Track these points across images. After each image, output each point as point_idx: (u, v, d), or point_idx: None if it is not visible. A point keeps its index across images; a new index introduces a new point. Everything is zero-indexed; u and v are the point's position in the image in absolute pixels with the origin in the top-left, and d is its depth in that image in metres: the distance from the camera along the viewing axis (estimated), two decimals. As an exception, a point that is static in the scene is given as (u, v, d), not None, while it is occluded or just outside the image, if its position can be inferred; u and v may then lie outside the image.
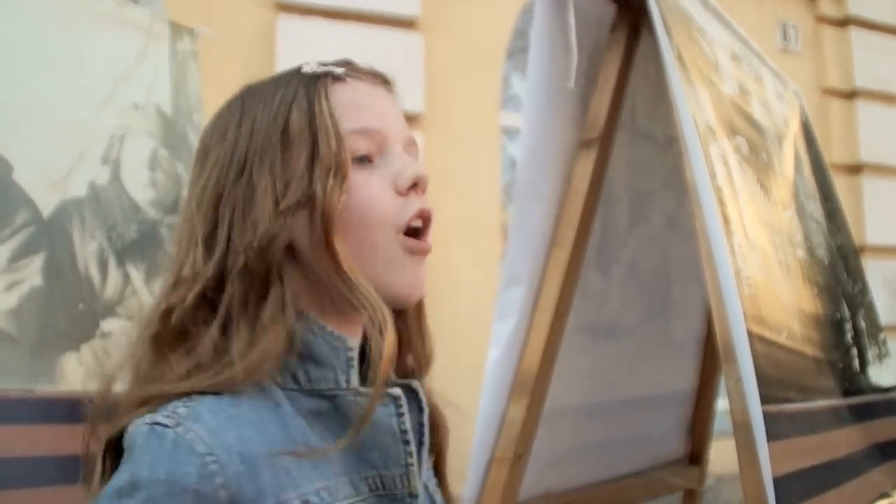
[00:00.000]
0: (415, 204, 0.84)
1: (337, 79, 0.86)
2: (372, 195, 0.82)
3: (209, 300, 0.83)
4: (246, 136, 0.84)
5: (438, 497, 0.93)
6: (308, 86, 0.84)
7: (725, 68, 1.86)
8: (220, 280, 0.82)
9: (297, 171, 0.81)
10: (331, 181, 0.79)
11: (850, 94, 5.96)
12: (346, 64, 0.88)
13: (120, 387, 0.88)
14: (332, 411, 0.80)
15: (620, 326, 2.18)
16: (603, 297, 2.06)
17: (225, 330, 0.81)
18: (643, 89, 1.89)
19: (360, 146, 0.84)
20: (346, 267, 0.80)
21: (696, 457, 2.65)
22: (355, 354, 0.83)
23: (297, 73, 0.87)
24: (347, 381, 0.81)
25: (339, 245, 0.80)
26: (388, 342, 0.77)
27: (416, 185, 0.84)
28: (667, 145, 2.07)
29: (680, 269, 2.35)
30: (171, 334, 0.83)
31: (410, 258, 0.84)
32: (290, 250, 0.82)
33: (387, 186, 0.83)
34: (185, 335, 0.82)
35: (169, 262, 0.89)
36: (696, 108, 1.53)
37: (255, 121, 0.84)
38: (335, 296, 0.83)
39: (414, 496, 0.82)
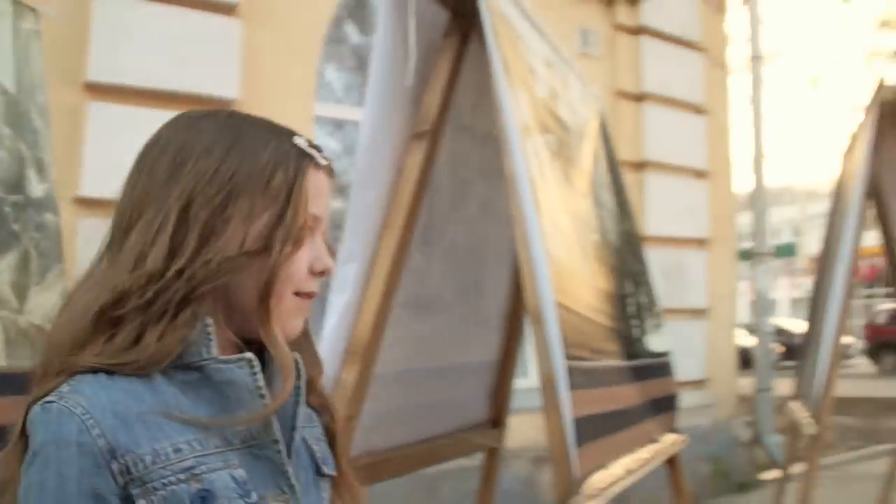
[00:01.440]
0: (315, 284, 1.02)
1: (316, 165, 1.02)
2: (298, 267, 0.99)
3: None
4: (233, 166, 0.97)
5: (319, 448, 1.09)
6: (298, 159, 1.00)
7: (540, 73, 2.11)
8: (171, 283, 0.93)
9: (262, 223, 0.96)
10: (289, 247, 0.97)
11: (639, 97, 6.41)
12: (320, 152, 1.04)
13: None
14: (201, 379, 0.95)
15: (438, 302, 2.40)
16: (424, 276, 2.27)
17: (147, 323, 0.93)
18: (467, 88, 2.11)
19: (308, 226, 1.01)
20: (273, 322, 0.97)
21: (497, 420, 2.93)
22: (212, 329, 0.96)
23: (290, 138, 1.02)
24: (208, 352, 0.95)
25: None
26: (289, 384, 0.97)
27: (323, 273, 1.02)
28: (484, 139, 2.30)
29: (491, 251, 2.60)
30: (115, 315, 0.93)
31: (298, 311, 1.02)
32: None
33: (307, 263, 1.00)
34: (123, 319, 0.93)
35: (121, 236, 0.97)
36: (517, 108, 1.77)
37: (244, 157, 0.98)
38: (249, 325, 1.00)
39: (276, 441, 0.97)
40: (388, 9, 1.85)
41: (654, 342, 2.59)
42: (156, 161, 0.99)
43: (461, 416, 2.72)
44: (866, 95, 3.71)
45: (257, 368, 0.96)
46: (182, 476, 0.88)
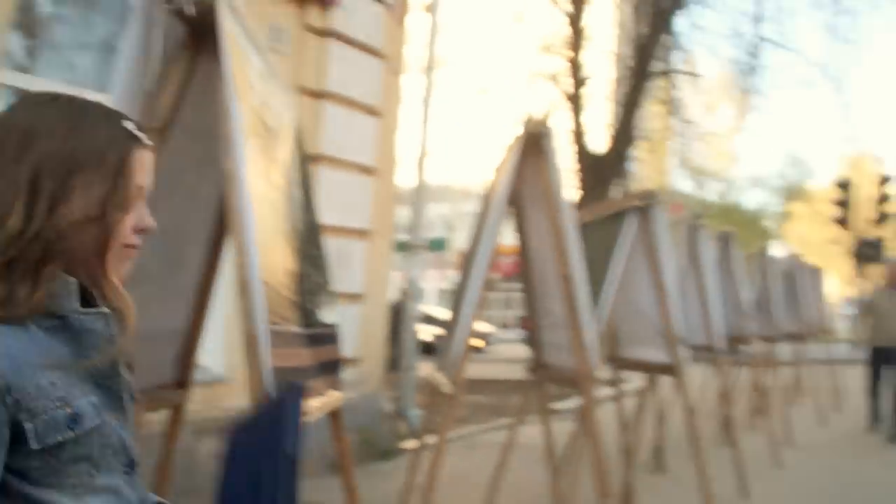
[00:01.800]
0: (137, 239, 1.28)
1: (142, 144, 1.26)
2: (126, 229, 1.24)
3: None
4: (73, 145, 1.18)
5: (132, 379, 1.32)
6: (127, 140, 1.24)
7: (256, 85, 2.51)
8: (30, 244, 1.13)
9: (99, 193, 1.19)
10: (120, 213, 1.21)
11: (319, 95, 6.84)
12: (144, 134, 1.28)
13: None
14: (63, 326, 1.17)
15: (146, 274, 2.66)
16: (139, 250, 2.56)
17: (16, 280, 1.12)
18: (193, 92, 2.45)
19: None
20: (111, 273, 1.22)
21: (182, 382, 3.23)
22: (74, 286, 1.19)
23: (120, 122, 1.25)
24: (70, 304, 1.17)
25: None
26: (130, 325, 1.24)
27: (144, 230, 1.28)
28: (198, 135, 2.63)
29: (192, 232, 2.94)
30: None
31: (126, 259, 1.28)
32: None
33: (133, 223, 1.25)
34: None
35: None
36: (240, 116, 2.17)
37: (83, 138, 1.19)
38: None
39: (119, 375, 1.24)
40: (138, 18, 2.16)
41: (327, 315, 3.09)
42: (4, 141, 1.18)
43: (154, 376, 3.00)
44: (523, 114, 4.31)
45: (111, 321, 1.23)
46: (58, 403, 1.13)
